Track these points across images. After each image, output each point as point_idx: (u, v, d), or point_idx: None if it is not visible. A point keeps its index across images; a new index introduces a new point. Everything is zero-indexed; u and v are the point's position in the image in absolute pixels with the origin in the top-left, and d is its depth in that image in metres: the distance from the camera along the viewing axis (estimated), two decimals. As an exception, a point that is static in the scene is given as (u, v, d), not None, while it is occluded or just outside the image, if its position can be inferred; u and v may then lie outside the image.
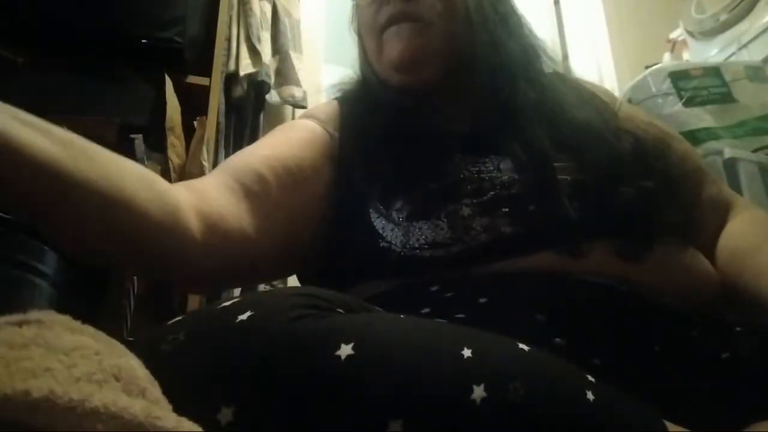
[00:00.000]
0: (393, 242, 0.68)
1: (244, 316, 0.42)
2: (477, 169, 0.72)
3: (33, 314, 0.33)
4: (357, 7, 0.89)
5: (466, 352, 0.42)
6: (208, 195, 0.66)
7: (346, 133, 0.81)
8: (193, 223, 0.62)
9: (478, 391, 0.39)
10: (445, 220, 0.67)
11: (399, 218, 0.69)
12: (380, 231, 0.69)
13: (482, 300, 0.61)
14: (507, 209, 0.68)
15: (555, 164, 0.72)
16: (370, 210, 0.71)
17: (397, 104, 0.81)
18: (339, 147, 0.80)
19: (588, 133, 0.75)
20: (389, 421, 0.38)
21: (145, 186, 0.58)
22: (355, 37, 0.91)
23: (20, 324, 0.31)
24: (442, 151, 0.75)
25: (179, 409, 0.36)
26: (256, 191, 0.70)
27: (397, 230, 0.68)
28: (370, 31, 0.83)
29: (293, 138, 0.80)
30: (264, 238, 0.69)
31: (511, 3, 0.89)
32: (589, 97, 0.85)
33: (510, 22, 0.85)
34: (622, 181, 0.70)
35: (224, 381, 0.39)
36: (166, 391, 0.37)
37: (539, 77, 0.83)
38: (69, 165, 0.52)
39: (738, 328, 0.62)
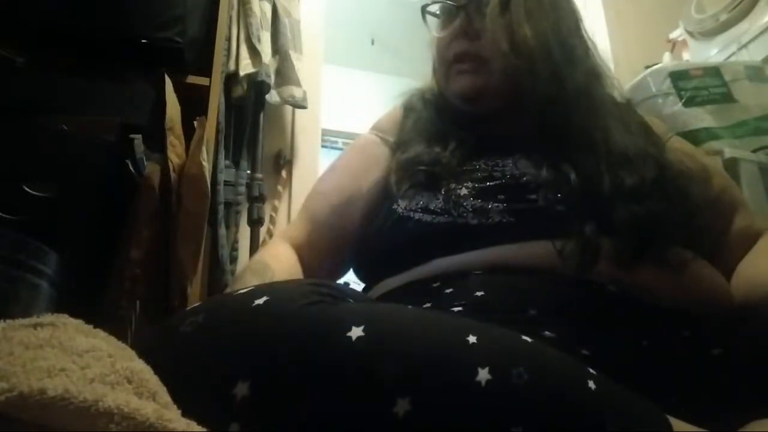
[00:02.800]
0: (400, 204, 0.76)
1: (260, 301, 0.44)
2: (494, 162, 0.78)
3: (47, 317, 0.33)
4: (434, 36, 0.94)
5: (472, 338, 0.44)
6: (307, 245, 0.86)
7: (400, 131, 0.92)
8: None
9: (483, 374, 0.41)
10: (443, 193, 0.74)
11: (411, 185, 0.78)
12: (397, 193, 0.78)
13: (478, 294, 0.64)
14: (503, 196, 0.72)
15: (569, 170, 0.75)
16: (398, 180, 0.81)
17: (458, 117, 0.90)
18: (394, 145, 0.91)
19: (616, 155, 0.78)
20: (397, 398, 0.39)
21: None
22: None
23: (35, 326, 0.31)
24: (478, 151, 0.82)
25: (197, 385, 0.37)
26: (324, 231, 0.87)
27: (406, 193, 0.77)
28: (441, 61, 0.91)
29: (352, 162, 0.94)
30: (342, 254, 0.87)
31: (580, 29, 0.92)
32: (637, 126, 0.89)
33: (575, 54, 0.88)
34: (629, 200, 0.72)
35: (241, 357, 0.41)
36: (185, 369, 0.38)
37: (593, 105, 0.86)
38: None
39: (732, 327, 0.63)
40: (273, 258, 0.82)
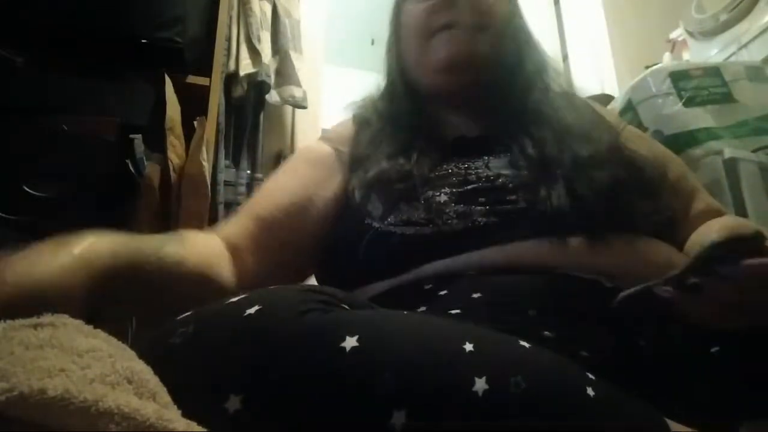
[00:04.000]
0: (374, 217, 0.74)
1: (251, 310, 0.43)
2: (466, 165, 0.77)
3: (47, 317, 0.33)
4: (403, 11, 0.93)
5: (468, 347, 0.43)
6: (238, 246, 0.79)
7: (355, 146, 0.89)
8: (227, 276, 0.75)
9: (480, 384, 0.40)
10: (422, 202, 0.72)
11: (386, 200, 0.75)
12: (369, 210, 0.75)
13: (476, 295, 0.63)
14: (484, 199, 0.71)
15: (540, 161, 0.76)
16: (366, 197, 0.77)
17: (416, 112, 0.89)
18: (348, 160, 0.88)
19: (573, 135, 0.80)
20: (393, 410, 0.38)
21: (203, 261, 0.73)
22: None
23: (35, 326, 0.31)
24: (443, 156, 0.80)
25: (189, 399, 0.37)
26: (271, 229, 0.82)
27: (380, 209, 0.74)
28: (419, 33, 0.89)
29: (299, 170, 0.89)
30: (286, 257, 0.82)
31: (524, 19, 0.97)
32: (590, 113, 0.91)
33: (531, 38, 0.94)
34: (595, 168, 0.74)
35: (232, 370, 0.40)
36: (176, 382, 0.38)
37: (547, 91, 0.89)
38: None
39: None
40: (190, 236, 0.76)
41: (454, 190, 0.73)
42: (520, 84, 0.88)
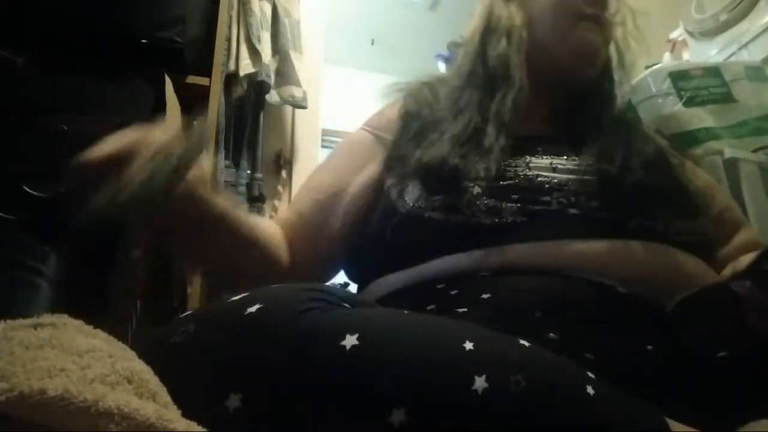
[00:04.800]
0: (407, 200, 0.75)
1: (253, 309, 0.44)
2: (506, 162, 0.76)
3: (47, 317, 0.33)
4: None
5: (468, 345, 0.43)
6: (292, 235, 0.85)
7: (401, 132, 0.89)
8: (285, 260, 0.82)
9: (480, 382, 0.40)
10: (455, 193, 0.72)
11: (423, 186, 0.76)
12: (404, 194, 0.76)
13: (485, 296, 0.63)
14: (517, 197, 0.71)
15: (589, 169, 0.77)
16: (405, 182, 0.78)
17: (485, 102, 0.86)
18: (390, 146, 0.88)
19: (632, 152, 0.81)
20: (392, 409, 0.39)
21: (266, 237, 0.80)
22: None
23: (35, 326, 0.31)
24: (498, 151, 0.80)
25: (189, 397, 0.37)
26: (308, 224, 0.86)
27: (416, 194, 0.75)
28: (567, 13, 0.89)
29: (337, 160, 0.93)
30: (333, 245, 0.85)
31: None
32: (652, 135, 0.94)
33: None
34: (637, 178, 0.75)
35: (233, 369, 0.41)
36: (177, 380, 0.38)
37: (616, 103, 0.93)
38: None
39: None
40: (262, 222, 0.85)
41: (488, 184, 0.73)
42: (604, 94, 0.91)
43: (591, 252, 0.67)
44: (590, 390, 0.43)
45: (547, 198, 0.71)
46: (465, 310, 0.62)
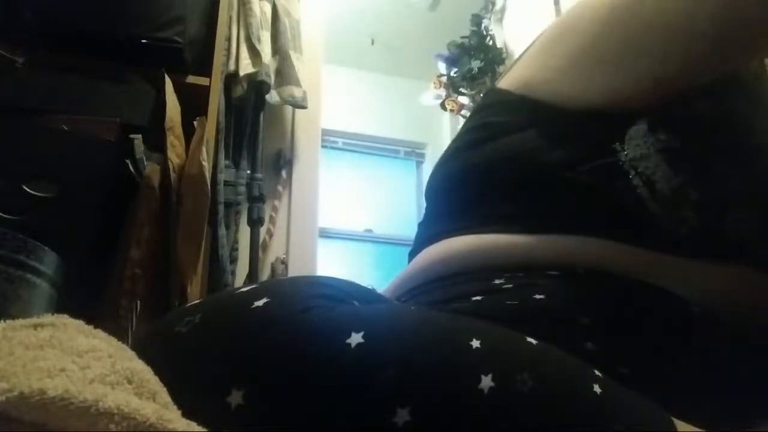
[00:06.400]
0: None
1: (260, 302, 0.43)
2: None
3: (47, 317, 0.33)
4: None
5: (475, 343, 0.42)
6: None
7: None
8: None
9: (486, 381, 0.40)
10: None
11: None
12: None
13: (537, 296, 0.59)
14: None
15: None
16: None
17: None
18: None
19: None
20: (397, 408, 0.38)
21: None
22: None
23: (35, 326, 0.31)
24: None
25: (191, 391, 0.36)
26: None
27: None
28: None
29: None
30: None
31: None
32: None
33: None
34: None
35: (236, 364, 0.40)
36: (180, 372, 0.37)
37: None
38: None
39: None
40: None
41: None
42: None
43: (675, 266, 0.61)
44: (597, 389, 0.43)
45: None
46: (516, 302, 0.58)
